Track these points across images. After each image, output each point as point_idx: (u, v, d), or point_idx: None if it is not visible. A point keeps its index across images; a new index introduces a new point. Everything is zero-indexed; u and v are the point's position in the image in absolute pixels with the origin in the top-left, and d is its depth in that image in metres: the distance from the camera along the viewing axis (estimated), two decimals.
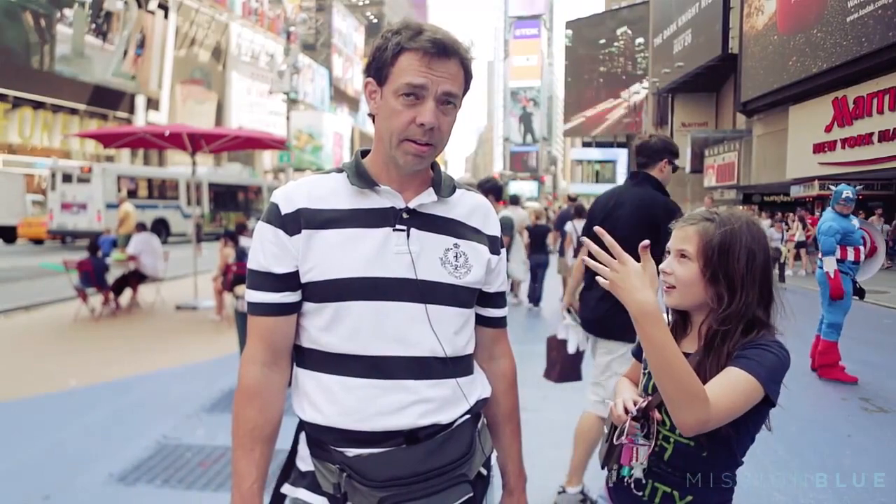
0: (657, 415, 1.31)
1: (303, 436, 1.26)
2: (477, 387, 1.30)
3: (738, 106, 25.18)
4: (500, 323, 1.40)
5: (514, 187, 54.52)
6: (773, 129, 22.39)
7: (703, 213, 1.37)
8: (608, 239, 1.18)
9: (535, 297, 9.43)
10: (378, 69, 1.17)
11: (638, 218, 2.82)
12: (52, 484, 3.29)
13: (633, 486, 1.36)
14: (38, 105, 28.54)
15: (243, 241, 7.61)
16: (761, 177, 23.40)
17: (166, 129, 9.44)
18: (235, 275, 7.03)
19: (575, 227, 8.99)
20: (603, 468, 1.46)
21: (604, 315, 2.91)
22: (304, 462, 1.24)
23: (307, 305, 1.21)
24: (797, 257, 15.40)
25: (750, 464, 1.34)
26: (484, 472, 1.31)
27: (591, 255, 1.20)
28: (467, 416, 1.26)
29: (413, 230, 1.20)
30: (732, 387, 1.18)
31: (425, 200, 1.23)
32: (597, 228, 1.23)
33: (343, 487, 1.15)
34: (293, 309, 1.22)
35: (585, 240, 1.26)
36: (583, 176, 61.28)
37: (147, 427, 4.10)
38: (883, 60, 15.43)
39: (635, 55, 52.71)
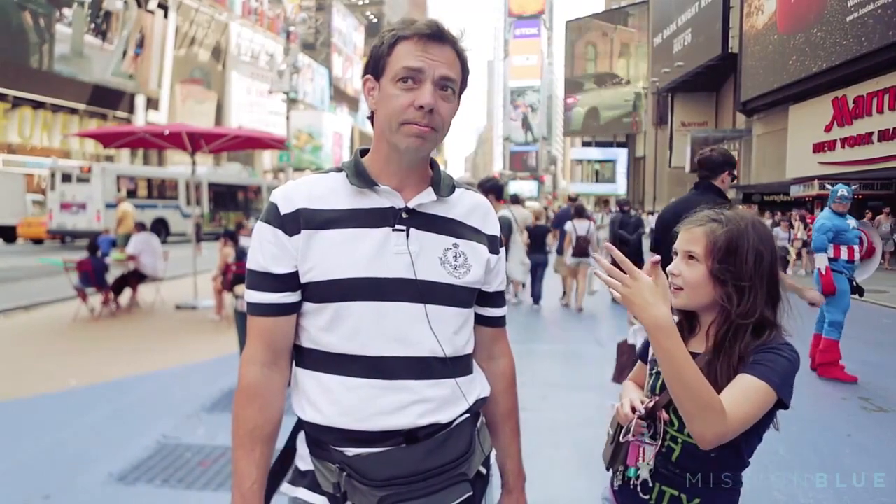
0: (664, 415, 1.31)
1: (302, 435, 1.26)
2: (476, 386, 1.31)
3: (738, 105, 25.22)
4: (499, 322, 1.40)
5: (514, 187, 54.56)
6: (773, 128, 22.41)
7: (709, 214, 1.36)
8: (618, 255, 1.19)
9: (534, 295, 9.47)
10: (376, 63, 1.19)
11: None
12: (51, 484, 3.29)
13: (639, 488, 1.35)
14: (37, 105, 28.53)
15: (243, 240, 7.61)
16: (761, 176, 23.43)
17: (166, 128, 9.43)
18: (235, 274, 7.03)
19: (574, 226, 9.02)
20: (608, 469, 1.46)
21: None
22: (304, 461, 1.24)
23: (307, 306, 1.21)
24: (798, 257, 15.43)
25: (750, 464, 1.34)
26: (483, 471, 1.31)
27: (613, 264, 1.20)
28: (466, 416, 1.26)
29: (412, 230, 1.20)
30: (747, 396, 1.18)
31: (424, 200, 1.23)
32: (606, 244, 1.24)
33: (343, 487, 1.15)
34: (293, 309, 1.21)
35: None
36: (583, 175, 61.34)
37: (147, 427, 4.10)
38: (883, 60, 15.45)
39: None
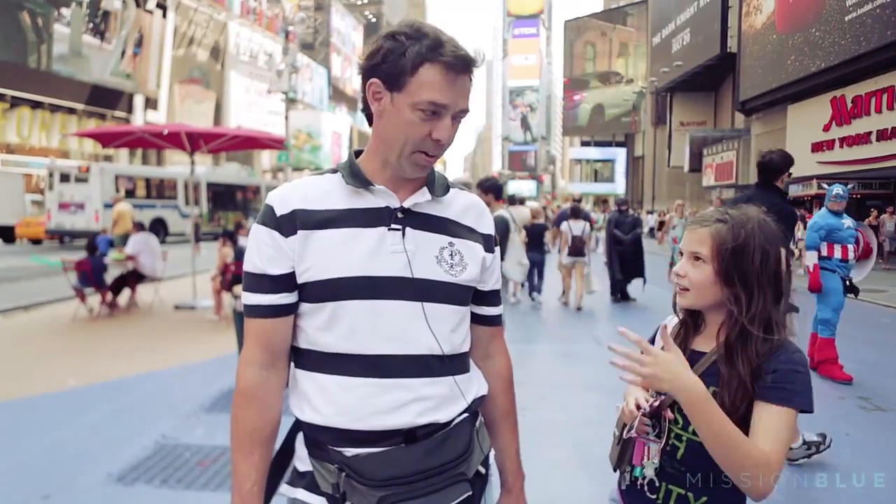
0: (669, 414, 1.31)
1: (300, 436, 1.26)
2: (474, 384, 1.31)
3: (737, 105, 25.25)
4: (495, 321, 1.40)
5: (513, 186, 54.56)
6: (772, 128, 22.44)
7: (714, 213, 1.36)
8: (633, 336, 1.22)
9: (533, 287, 9.57)
10: (392, 75, 1.14)
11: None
12: (50, 484, 3.29)
13: (646, 488, 1.35)
14: (36, 105, 28.50)
15: (241, 240, 7.61)
16: None
17: (165, 128, 9.42)
18: (234, 274, 7.03)
19: (570, 226, 9.15)
20: (615, 470, 1.46)
21: None
22: (302, 462, 1.24)
23: (304, 306, 1.21)
24: (799, 255, 15.41)
25: None
26: (482, 470, 1.31)
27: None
28: (465, 415, 1.26)
29: (408, 229, 1.21)
30: (779, 429, 1.19)
31: (419, 200, 1.23)
32: (620, 329, 1.25)
33: (342, 487, 1.15)
34: (290, 310, 1.22)
35: (614, 346, 1.24)
36: (581, 175, 61.37)
37: (146, 427, 4.09)
38: (881, 59, 15.47)
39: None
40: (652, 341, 1.52)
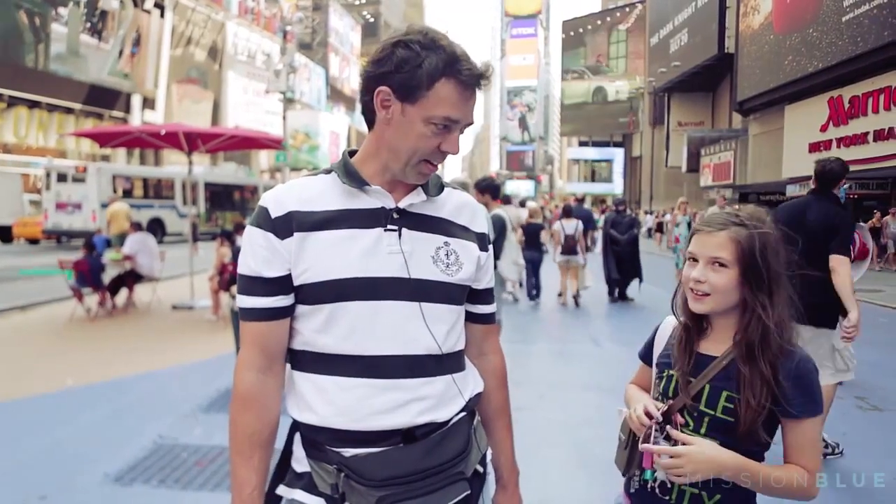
0: (679, 418, 1.31)
1: (297, 436, 1.26)
2: (470, 382, 1.31)
3: (735, 105, 25.28)
4: (489, 319, 1.41)
5: (511, 186, 54.58)
6: (769, 128, 22.48)
7: (727, 216, 1.33)
8: (659, 448, 1.26)
9: (532, 289, 9.56)
10: (406, 86, 1.13)
11: (825, 226, 3.45)
12: (48, 484, 3.28)
13: (657, 490, 1.35)
14: (33, 104, 28.44)
15: (240, 240, 7.58)
16: (757, 176, 23.50)
17: (162, 128, 9.41)
18: (231, 274, 7.02)
19: (562, 226, 9.25)
20: (624, 475, 1.45)
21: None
22: (300, 463, 1.24)
23: (301, 308, 1.21)
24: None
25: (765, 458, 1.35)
26: (480, 469, 1.32)
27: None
28: (463, 414, 1.26)
29: (404, 230, 1.21)
30: (813, 440, 1.28)
31: (415, 200, 1.24)
32: (643, 446, 1.31)
33: (341, 488, 1.15)
34: (286, 313, 1.21)
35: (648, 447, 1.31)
36: (579, 175, 61.40)
37: (144, 427, 4.09)
38: (878, 60, 15.50)
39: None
40: (651, 339, 1.52)
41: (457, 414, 1.24)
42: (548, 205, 25.21)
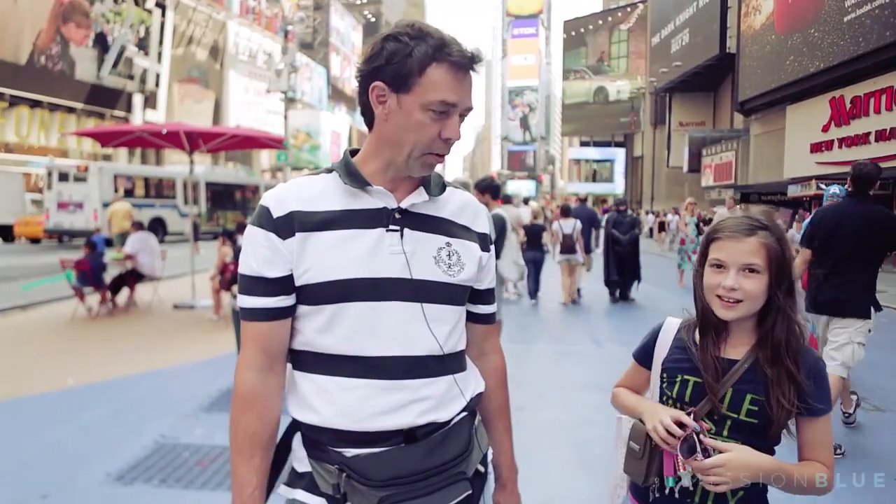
0: (705, 424, 1.31)
1: (298, 436, 1.26)
2: (471, 382, 1.32)
3: (736, 105, 25.23)
4: (489, 319, 1.41)
5: (512, 186, 54.54)
6: (771, 128, 22.45)
7: (749, 220, 1.33)
8: (710, 463, 1.25)
9: (531, 290, 9.59)
10: (398, 76, 1.13)
11: (868, 228, 3.74)
12: (49, 483, 3.29)
13: (677, 495, 1.35)
14: (35, 104, 28.46)
15: (241, 240, 7.59)
16: (759, 176, 23.46)
17: (164, 127, 9.40)
18: (233, 274, 7.02)
19: (560, 225, 9.31)
20: (643, 485, 1.41)
21: (841, 300, 3.83)
22: (301, 463, 1.24)
23: (302, 308, 1.21)
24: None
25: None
26: (482, 469, 1.32)
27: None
28: (464, 414, 1.26)
29: (406, 230, 1.21)
30: (828, 436, 1.33)
31: (417, 200, 1.23)
32: (690, 461, 1.29)
33: (342, 488, 1.15)
34: (288, 313, 1.21)
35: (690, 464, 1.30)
36: (580, 175, 61.31)
37: (145, 426, 4.09)
38: (880, 60, 15.46)
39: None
40: (652, 342, 1.51)
41: (458, 414, 1.24)
42: (549, 205, 25.18)
